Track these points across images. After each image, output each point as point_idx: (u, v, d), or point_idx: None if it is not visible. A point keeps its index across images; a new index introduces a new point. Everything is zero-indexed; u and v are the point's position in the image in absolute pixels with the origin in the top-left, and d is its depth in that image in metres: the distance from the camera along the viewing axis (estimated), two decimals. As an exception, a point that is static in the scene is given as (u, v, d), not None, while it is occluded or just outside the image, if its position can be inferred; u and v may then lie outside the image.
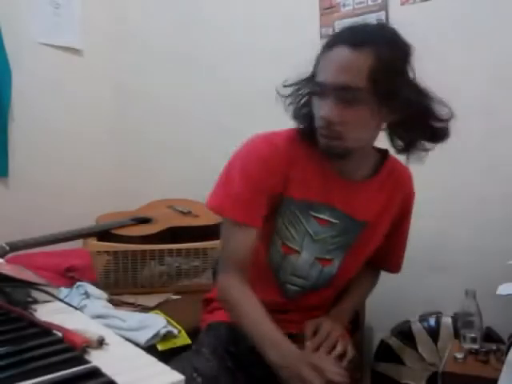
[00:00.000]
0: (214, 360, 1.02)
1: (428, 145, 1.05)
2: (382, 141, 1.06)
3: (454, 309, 1.61)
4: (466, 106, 1.68)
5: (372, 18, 1.84)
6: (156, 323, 1.34)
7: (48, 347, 0.64)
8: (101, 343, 0.66)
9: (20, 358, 0.61)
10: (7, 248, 1.52)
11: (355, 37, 0.91)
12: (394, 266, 1.26)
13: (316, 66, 0.97)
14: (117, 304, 1.56)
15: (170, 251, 1.72)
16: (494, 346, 1.38)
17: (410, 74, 0.95)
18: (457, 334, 1.50)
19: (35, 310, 0.80)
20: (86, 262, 1.82)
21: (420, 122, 0.97)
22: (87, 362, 0.61)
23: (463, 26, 1.68)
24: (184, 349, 1.27)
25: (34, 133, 2.27)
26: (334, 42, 0.93)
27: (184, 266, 1.75)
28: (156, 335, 1.31)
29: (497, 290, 1.28)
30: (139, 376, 0.58)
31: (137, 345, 1.02)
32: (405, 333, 1.68)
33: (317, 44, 1.00)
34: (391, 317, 1.75)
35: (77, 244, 1.87)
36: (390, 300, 1.75)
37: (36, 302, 0.85)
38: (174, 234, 1.83)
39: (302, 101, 1.02)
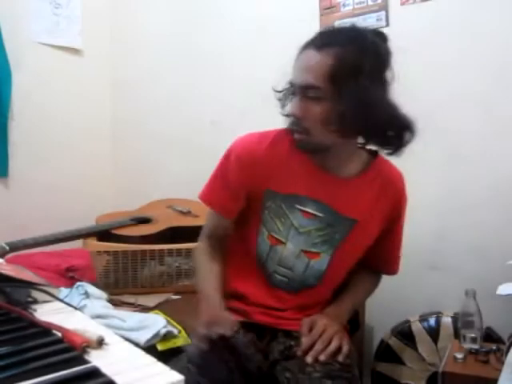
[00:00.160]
0: (211, 352, 1.03)
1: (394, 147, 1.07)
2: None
3: (454, 309, 1.61)
4: (466, 106, 1.69)
5: (372, 18, 1.84)
6: (156, 323, 1.34)
7: (48, 347, 0.64)
8: (101, 343, 0.66)
9: (20, 357, 0.61)
10: (7, 248, 1.52)
11: (321, 39, 0.99)
12: (391, 268, 1.27)
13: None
14: (117, 304, 1.56)
15: (170, 251, 1.72)
16: (493, 346, 1.38)
17: (378, 76, 0.99)
18: (457, 334, 1.50)
19: (35, 310, 0.80)
20: (86, 262, 1.82)
21: (374, 126, 1.00)
22: (87, 362, 0.61)
23: (463, 25, 1.68)
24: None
25: (34, 133, 2.27)
26: (305, 45, 1.01)
27: (184, 266, 1.75)
28: (156, 335, 1.31)
29: (497, 290, 1.28)
30: (139, 376, 0.58)
31: (137, 345, 1.03)
32: (405, 333, 1.68)
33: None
34: (391, 317, 1.74)
35: (77, 244, 1.87)
36: (390, 300, 1.75)
37: (36, 302, 0.85)
38: (173, 234, 1.83)
39: (287, 101, 1.09)
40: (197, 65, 2.33)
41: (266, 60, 2.06)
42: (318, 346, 1.02)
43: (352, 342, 1.13)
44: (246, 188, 1.10)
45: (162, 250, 1.71)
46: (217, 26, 2.26)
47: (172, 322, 1.41)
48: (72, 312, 0.84)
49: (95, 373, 0.58)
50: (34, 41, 2.27)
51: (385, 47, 1.02)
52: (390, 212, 1.14)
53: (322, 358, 1.00)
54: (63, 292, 1.49)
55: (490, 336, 1.50)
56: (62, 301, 0.89)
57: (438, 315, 1.66)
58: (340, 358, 1.02)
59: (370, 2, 1.85)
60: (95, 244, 1.70)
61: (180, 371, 0.93)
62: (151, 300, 1.62)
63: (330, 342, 1.03)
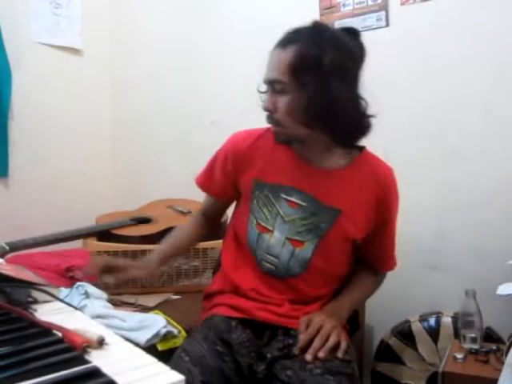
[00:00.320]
0: (204, 343, 1.05)
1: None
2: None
3: (454, 309, 1.61)
4: (466, 106, 1.69)
5: (372, 18, 1.84)
6: (156, 323, 1.34)
7: (48, 347, 0.64)
8: (101, 343, 0.66)
9: (20, 358, 0.61)
10: (7, 248, 1.52)
11: (284, 38, 1.07)
12: (387, 265, 1.28)
13: None
14: (117, 304, 1.56)
15: (170, 251, 1.71)
16: (493, 346, 1.38)
17: (341, 70, 1.03)
18: (457, 334, 1.50)
19: (35, 310, 0.80)
20: (86, 262, 1.82)
21: (334, 117, 1.04)
22: (87, 361, 0.61)
23: (463, 25, 1.68)
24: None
25: (33, 133, 2.27)
26: (273, 46, 1.09)
27: (184, 266, 1.75)
28: (156, 335, 1.31)
29: (497, 290, 1.28)
30: (139, 376, 0.58)
31: (137, 345, 1.03)
32: (405, 333, 1.68)
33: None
34: (391, 317, 1.75)
35: (77, 244, 1.87)
36: (390, 300, 1.75)
37: (36, 301, 0.85)
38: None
39: None
40: (197, 65, 2.33)
41: (266, 60, 2.05)
42: (316, 343, 1.02)
43: (352, 342, 1.13)
44: (232, 176, 1.21)
45: (162, 250, 1.70)
46: (217, 25, 2.26)
47: (172, 321, 1.41)
48: (72, 312, 0.84)
49: (96, 373, 0.58)
50: (34, 41, 2.27)
51: (355, 43, 1.07)
52: (377, 204, 1.15)
53: (321, 354, 1.00)
54: (63, 292, 1.49)
55: (490, 336, 1.50)
56: (62, 301, 0.88)
57: (438, 315, 1.66)
58: (339, 354, 1.02)
59: (370, 2, 1.85)
60: (95, 244, 1.70)
61: (174, 360, 0.96)
62: (151, 300, 1.62)
63: (327, 339, 1.03)
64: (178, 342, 1.34)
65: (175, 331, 1.36)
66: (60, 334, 0.68)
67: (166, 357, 0.75)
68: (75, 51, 2.45)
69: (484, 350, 1.37)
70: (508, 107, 1.62)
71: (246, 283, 1.17)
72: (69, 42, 2.41)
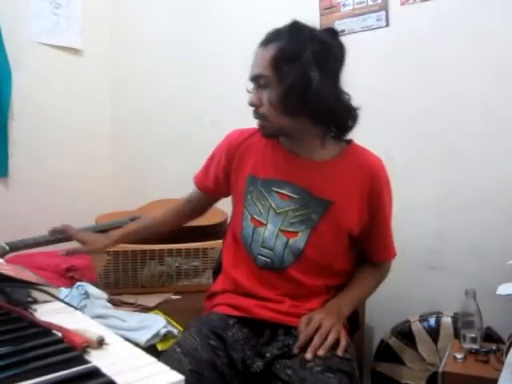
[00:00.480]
0: (197, 337, 1.07)
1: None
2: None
3: (454, 309, 1.61)
4: (466, 106, 1.69)
5: (372, 18, 1.84)
6: (156, 323, 1.34)
7: (48, 347, 0.64)
8: (101, 343, 0.66)
9: (20, 358, 0.61)
10: (7, 248, 1.52)
11: (266, 38, 1.13)
12: (387, 255, 1.28)
13: None
14: (117, 304, 1.56)
15: (170, 251, 1.72)
16: (493, 346, 1.38)
17: (322, 64, 1.07)
18: (457, 334, 1.50)
19: (35, 310, 0.80)
20: (86, 262, 1.82)
21: (316, 108, 1.08)
22: (87, 361, 0.61)
23: (463, 25, 1.68)
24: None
25: (33, 133, 2.28)
26: (257, 46, 1.15)
27: (184, 266, 1.75)
28: (156, 335, 1.31)
29: (497, 290, 1.28)
30: (139, 376, 0.58)
31: (137, 345, 1.03)
32: (405, 333, 1.68)
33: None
34: (391, 317, 1.75)
35: (77, 244, 1.87)
36: (390, 300, 1.75)
37: (36, 302, 0.85)
38: (174, 234, 1.82)
39: None
40: (197, 65, 2.33)
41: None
42: (316, 341, 1.02)
43: (352, 342, 1.13)
44: (227, 172, 1.26)
45: (162, 250, 1.71)
46: (217, 25, 2.26)
47: (172, 321, 1.41)
48: (72, 312, 0.84)
49: (95, 373, 0.58)
50: (34, 41, 2.27)
51: (334, 43, 1.12)
52: (369, 194, 1.16)
53: (320, 352, 1.01)
54: (63, 292, 1.49)
55: (490, 336, 1.50)
56: (62, 301, 0.88)
57: (438, 315, 1.66)
58: (339, 352, 1.02)
59: (370, 2, 1.85)
60: (95, 244, 1.69)
61: (166, 352, 0.99)
62: (151, 300, 1.62)
63: (327, 337, 1.04)
64: (178, 342, 1.34)
65: (175, 331, 1.36)
66: (60, 334, 0.68)
67: (165, 357, 0.75)
68: (75, 51, 2.45)
69: (484, 349, 1.37)
70: (508, 107, 1.62)
71: (245, 280, 1.18)
72: (69, 42, 2.42)
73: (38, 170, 2.28)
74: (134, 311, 1.51)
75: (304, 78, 1.05)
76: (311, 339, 1.04)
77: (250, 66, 1.14)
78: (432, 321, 1.66)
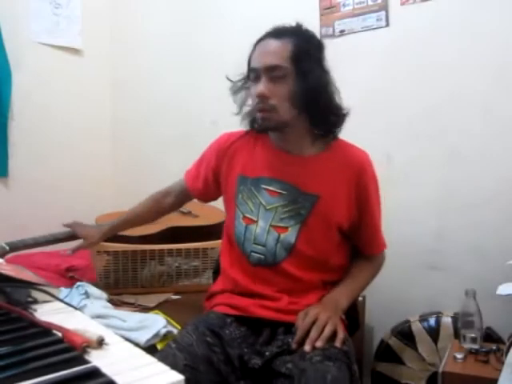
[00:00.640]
0: (194, 334, 1.09)
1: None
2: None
3: (454, 309, 1.61)
4: (466, 106, 1.69)
5: (372, 18, 1.84)
6: (156, 323, 1.34)
7: (48, 347, 0.64)
8: (101, 343, 0.66)
9: (20, 357, 0.61)
10: (7, 248, 1.52)
11: (277, 31, 1.15)
12: (377, 248, 1.29)
13: (249, 60, 1.20)
14: (117, 304, 1.56)
15: (170, 251, 1.72)
16: (493, 346, 1.38)
17: (322, 63, 1.16)
18: (457, 334, 1.50)
19: (35, 310, 0.80)
20: (86, 262, 1.82)
21: (319, 104, 1.13)
22: (87, 361, 0.61)
23: (463, 25, 1.68)
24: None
25: (33, 133, 2.27)
26: (260, 38, 1.17)
27: (184, 266, 1.75)
28: (156, 335, 1.30)
29: (497, 290, 1.28)
30: (139, 376, 0.58)
31: (137, 345, 1.03)
32: (405, 333, 1.68)
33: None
34: (391, 317, 1.75)
35: (77, 244, 1.87)
36: (390, 300, 1.75)
37: (36, 301, 0.85)
38: (174, 234, 1.83)
39: (241, 100, 1.31)
40: (197, 65, 2.33)
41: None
42: (313, 334, 1.04)
43: (352, 341, 1.14)
44: (215, 175, 1.30)
45: (162, 250, 1.71)
46: (217, 25, 2.26)
47: (172, 321, 1.41)
48: (72, 312, 0.84)
49: (95, 373, 0.58)
50: (34, 41, 2.27)
51: (320, 41, 1.20)
52: (356, 188, 1.18)
53: (318, 344, 1.02)
54: (63, 292, 1.49)
55: (490, 336, 1.50)
56: (62, 301, 0.89)
57: (438, 315, 1.66)
58: (337, 344, 1.03)
59: (370, 2, 1.85)
60: (95, 244, 1.69)
61: (163, 349, 1.02)
62: (151, 300, 1.62)
63: (323, 329, 1.04)
64: (178, 342, 1.34)
65: (175, 331, 1.35)
66: (60, 334, 0.68)
67: (165, 357, 0.75)
68: (75, 51, 2.45)
69: (484, 350, 1.37)
70: (508, 107, 1.62)
71: (241, 279, 1.20)
72: (69, 42, 2.42)
73: (38, 170, 2.28)
74: (134, 311, 1.51)
75: (320, 77, 1.11)
76: (308, 333, 1.04)
77: (258, 55, 1.15)
78: (432, 321, 1.66)
